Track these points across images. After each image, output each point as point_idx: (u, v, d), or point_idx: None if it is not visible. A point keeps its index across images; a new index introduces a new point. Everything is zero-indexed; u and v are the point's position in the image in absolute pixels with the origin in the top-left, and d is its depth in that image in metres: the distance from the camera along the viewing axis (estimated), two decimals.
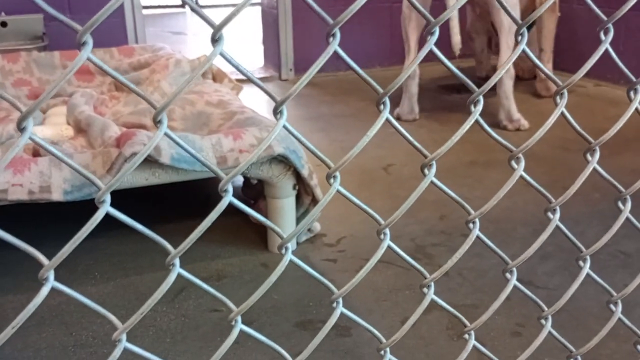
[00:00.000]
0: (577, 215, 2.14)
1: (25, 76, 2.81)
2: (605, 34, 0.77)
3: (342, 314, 0.72)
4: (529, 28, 3.72)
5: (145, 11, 4.08)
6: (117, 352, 0.54)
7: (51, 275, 0.50)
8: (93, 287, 1.75)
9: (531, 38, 3.81)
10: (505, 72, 3.02)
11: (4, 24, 3.44)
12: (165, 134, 0.53)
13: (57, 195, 1.62)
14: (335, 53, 0.59)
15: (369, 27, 4.41)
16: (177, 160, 1.69)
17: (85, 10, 3.56)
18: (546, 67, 3.77)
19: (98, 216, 0.50)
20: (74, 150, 1.91)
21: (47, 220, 2.15)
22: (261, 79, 4.32)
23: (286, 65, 4.33)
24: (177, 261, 0.56)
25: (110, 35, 3.73)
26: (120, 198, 1.49)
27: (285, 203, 1.88)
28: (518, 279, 0.86)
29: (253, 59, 4.95)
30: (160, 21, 7.58)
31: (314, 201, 1.92)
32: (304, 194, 1.93)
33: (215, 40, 0.52)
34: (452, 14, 2.78)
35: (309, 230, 2.01)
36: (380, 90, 0.62)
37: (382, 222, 0.69)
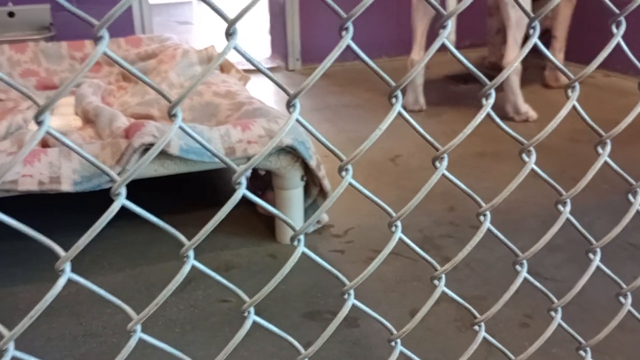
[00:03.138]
0: (585, 207, 2.14)
1: (32, 66, 2.82)
2: (617, 27, 0.77)
3: (352, 305, 0.73)
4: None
5: (151, 1, 4.08)
6: (133, 342, 0.55)
7: (68, 266, 0.51)
8: (102, 277, 1.76)
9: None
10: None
11: (11, 14, 3.45)
12: (180, 127, 0.53)
13: (66, 186, 1.63)
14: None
15: (375, 16, 4.39)
16: (186, 152, 1.70)
17: (93, 0, 3.56)
18: (558, 56, 3.75)
19: (114, 208, 0.51)
20: (83, 141, 1.92)
21: (53, 211, 2.16)
22: (268, 69, 4.32)
23: (293, 56, 4.32)
24: (191, 252, 0.56)
25: (117, 25, 3.72)
26: (128, 189, 1.50)
27: (293, 194, 1.89)
28: (526, 271, 0.87)
29: (260, 49, 4.94)
30: (167, 11, 7.57)
31: (322, 192, 1.92)
32: (312, 185, 1.93)
33: (230, 34, 0.53)
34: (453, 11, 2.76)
35: (317, 221, 2.01)
36: (393, 83, 0.62)
37: (394, 214, 0.69)
